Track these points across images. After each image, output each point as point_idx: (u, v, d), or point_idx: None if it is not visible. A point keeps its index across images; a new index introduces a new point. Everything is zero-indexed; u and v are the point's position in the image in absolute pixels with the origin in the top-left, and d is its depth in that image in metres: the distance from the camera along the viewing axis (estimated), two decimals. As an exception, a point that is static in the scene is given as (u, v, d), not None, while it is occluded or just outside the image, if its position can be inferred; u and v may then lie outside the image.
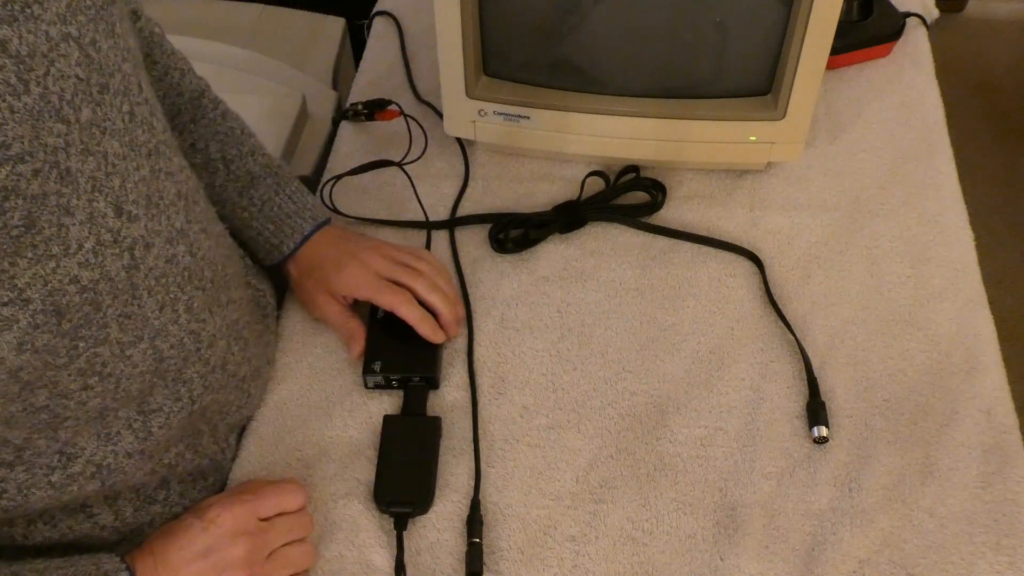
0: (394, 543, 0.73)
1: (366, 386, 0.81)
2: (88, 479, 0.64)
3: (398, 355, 0.81)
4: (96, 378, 0.60)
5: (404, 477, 0.75)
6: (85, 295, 0.55)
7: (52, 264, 0.52)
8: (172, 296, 0.64)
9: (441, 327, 0.82)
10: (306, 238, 0.84)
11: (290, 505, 0.72)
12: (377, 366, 0.80)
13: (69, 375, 0.58)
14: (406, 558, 0.72)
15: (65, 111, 0.52)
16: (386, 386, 0.81)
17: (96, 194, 0.55)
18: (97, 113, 0.55)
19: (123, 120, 0.58)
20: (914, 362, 0.82)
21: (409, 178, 0.95)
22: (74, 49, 0.53)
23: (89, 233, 0.55)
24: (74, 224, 0.53)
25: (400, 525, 0.73)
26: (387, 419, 0.78)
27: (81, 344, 0.57)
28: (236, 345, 0.74)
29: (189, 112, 0.81)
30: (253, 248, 0.85)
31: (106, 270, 0.56)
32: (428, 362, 0.81)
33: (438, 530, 0.74)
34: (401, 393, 0.81)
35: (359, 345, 0.82)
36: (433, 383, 0.81)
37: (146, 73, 0.65)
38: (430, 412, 0.80)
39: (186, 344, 0.66)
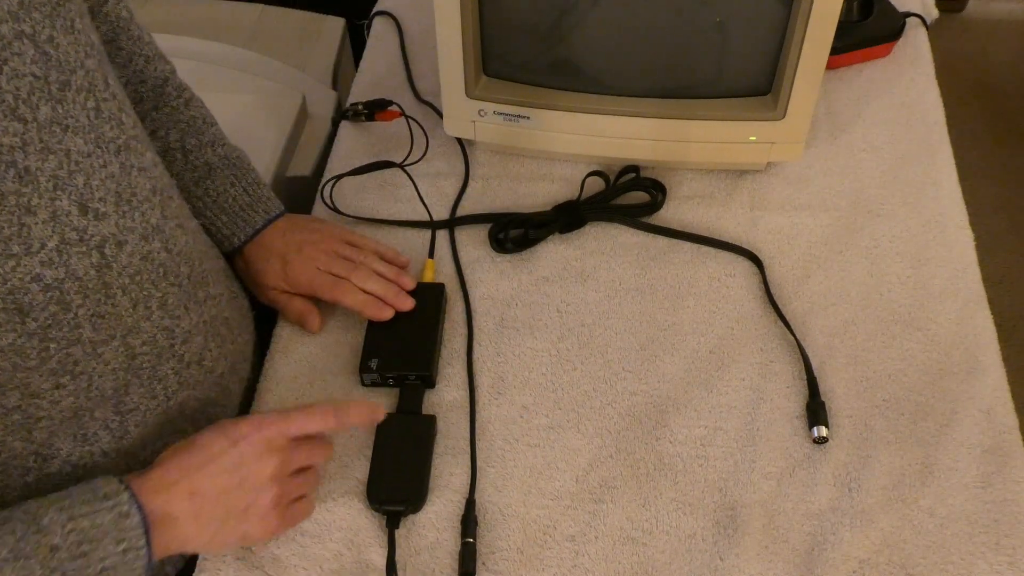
0: (395, 542, 0.73)
1: (362, 384, 0.81)
2: (65, 478, 0.64)
3: (394, 353, 0.81)
4: (68, 377, 0.59)
5: (397, 476, 0.75)
6: (50, 294, 0.55)
7: (12, 263, 0.52)
8: (146, 293, 0.63)
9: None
10: (257, 231, 0.85)
11: (317, 428, 0.70)
12: (373, 364, 0.80)
13: (41, 376, 0.57)
14: (406, 558, 0.72)
15: (21, 110, 0.52)
16: (382, 384, 0.81)
17: (58, 192, 0.54)
18: (58, 111, 0.55)
19: (88, 117, 0.57)
20: (914, 362, 0.82)
21: (411, 179, 0.95)
22: (29, 47, 0.53)
23: (52, 232, 0.54)
24: (36, 223, 0.53)
25: (392, 524, 0.73)
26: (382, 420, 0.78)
27: (52, 345, 0.56)
28: (213, 342, 0.73)
29: (151, 100, 0.81)
30: (211, 235, 0.85)
31: (72, 269, 0.56)
32: (424, 361, 0.80)
33: (437, 530, 0.74)
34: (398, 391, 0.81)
35: (315, 318, 0.84)
36: (429, 382, 0.81)
37: (112, 66, 0.65)
38: (427, 411, 0.80)
39: (159, 340, 0.66)
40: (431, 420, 0.78)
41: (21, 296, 0.53)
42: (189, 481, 0.64)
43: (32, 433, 0.61)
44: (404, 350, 0.81)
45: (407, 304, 0.83)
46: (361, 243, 0.87)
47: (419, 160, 0.98)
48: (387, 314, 0.82)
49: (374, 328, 0.83)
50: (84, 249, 0.57)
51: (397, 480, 0.75)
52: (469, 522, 0.73)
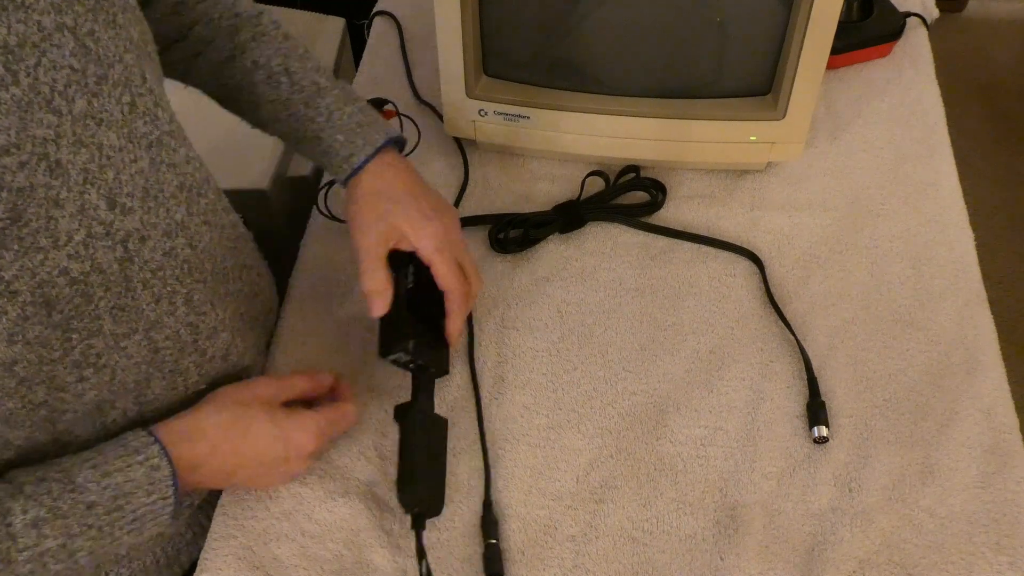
0: (394, 543, 0.73)
1: (384, 357, 0.74)
2: None
3: (426, 341, 0.76)
4: (91, 370, 0.60)
5: (426, 477, 0.72)
6: (75, 287, 0.55)
7: (40, 256, 0.52)
8: (170, 289, 0.64)
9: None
10: (379, 149, 0.77)
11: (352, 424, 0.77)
12: (410, 345, 0.73)
13: (64, 368, 0.58)
14: (406, 561, 0.72)
15: (57, 102, 0.52)
16: (402, 366, 0.76)
17: (88, 186, 0.55)
18: (93, 104, 0.55)
19: (122, 111, 0.58)
20: (914, 362, 0.82)
21: None
22: (69, 39, 0.53)
23: (79, 225, 0.54)
24: (63, 216, 0.53)
25: (419, 525, 0.70)
26: (399, 409, 0.74)
27: (74, 336, 0.57)
28: (239, 336, 0.74)
29: (249, 29, 0.79)
30: (325, 165, 0.80)
31: (97, 262, 0.56)
32: (446, 357, 0.77)
33: (439, 530, 0.73)
34: (399, 384, 0.79)
35: (384, 303, 0.74)
36: (445, 370, 0.78)
37: (153, 61, 0.65)
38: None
39: (182, 336, 0.67)
40: (445, 422, 0.76)
41: (49, 289, 0.54)
42: (230, 444, 0.68)
43: (56, 426, 0.62)
44: (434, 339, 0.76)
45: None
46: (479, 275, 0.80)
47: (409, 154, 0.97)
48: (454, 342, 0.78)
49: (403, 305, 0.75)
50: (109, 243, 0.57)
51: (426, 481, 0.72)
52: (489, 523, 0.72)
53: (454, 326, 0.75)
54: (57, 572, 0.60)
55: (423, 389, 0.75)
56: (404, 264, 0.76)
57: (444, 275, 0.74)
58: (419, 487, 0.71)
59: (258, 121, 0.81)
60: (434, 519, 0.74)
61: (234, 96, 0.80)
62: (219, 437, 0.67)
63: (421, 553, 0.69)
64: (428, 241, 0.74)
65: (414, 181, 0.78)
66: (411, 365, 0.75)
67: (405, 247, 0.75)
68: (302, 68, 0.79)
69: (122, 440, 0.64)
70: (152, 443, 0.64)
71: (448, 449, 0.77)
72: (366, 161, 0.76)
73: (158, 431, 0.65)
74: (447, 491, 0.75)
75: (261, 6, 0.81)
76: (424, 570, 0.68)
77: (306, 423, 0.71)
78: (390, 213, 0.74)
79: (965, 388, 0.80)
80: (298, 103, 0.78)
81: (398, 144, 0.80)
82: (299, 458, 0.71)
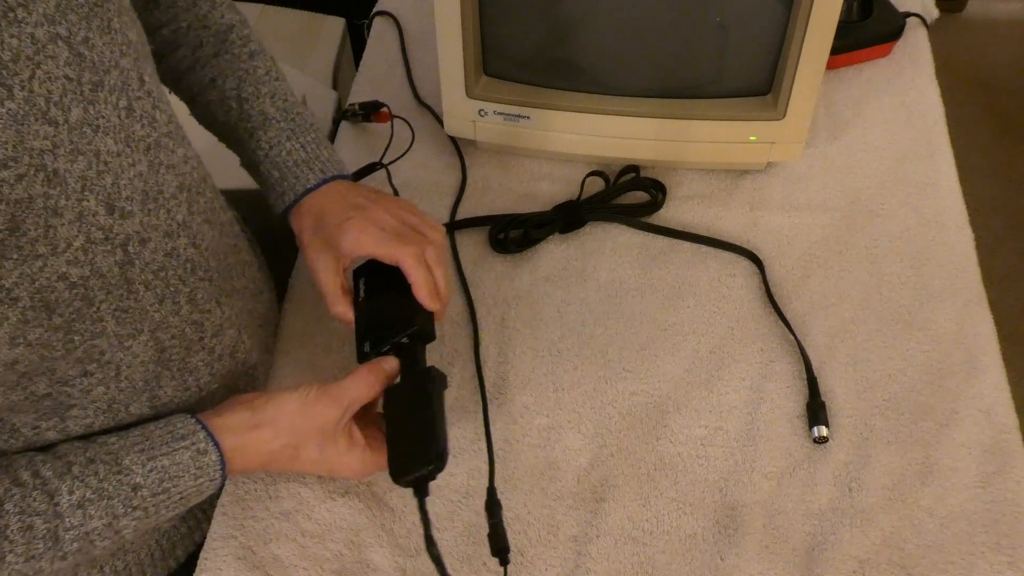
0: (395, 542, 0.73)
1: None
2: None
3: (381, 326, 0.74)
4: (95, 365, 0.60)
5: (412, 443, 0.67)
6: (75, 291, 0.55)
7: (39, 263, 0.52)
8: (173, 289, 0.64)
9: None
10: (309, 190, 0.76)
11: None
12: (367, 346, 0.73)
13: (67, 363, 0.58)
14: (405, 560, 0.72)
15: (52, 113, 0.52)
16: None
17: (86, 193, 0.55)
18: (89, 112, 0.55)
19: (119, 116, 0.58)
20: (914, 362, 0.82)
21: (390, 178, 0.94)
22: (63, 49, 0.53)
23: (78, 232, 0.55)
24: (62, 224, 0.53)
25: (421, 492, 0.66)
26: (386, 392, 0.72)
27: (76, 338, 0.57)
28: (246, 333, 0.74)
29: (212, 45, 0.79)
30: (264, 194, 0.80)
31: (97, 267, 0.56)
32: (411, 318, 0.73)
33: (438, 530, 0.73)
34: None
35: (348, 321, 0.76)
36: (425, 336, 0.74)
37: (152, 62, 0.65)
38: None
39: (188, 334, 0.67)
40: (430, 372, 0.71)
41: (48, 294, 0.54)
42: (277, 464, 0.69)
43: (67, 423, 0.62)
44: (389, 317, 0.74)
45: (442, 313, 0.75)
46: (433, 224, 0.77)
47: (399, 159, 0.97)
48: (437, 305, 0.73)
49: (361, 313, 0.76)
50: (108, 248, 0.57)
51: (412, 447, 0.68)
52: (493, 504, 0.71)
53: (421, 292, 0.72)
54: (104, 547, 0.62)
55: (405, 361, 0.73)
56: (355, 281, 0.76)
57: (384, 253, 0.72)
58: (402, 459, 0.67)
59: (212, 133, 0.82)
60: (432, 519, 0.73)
61: (189, 104, 0.81)
62: (269, 460, 0.69)
63: (426, 521, 0.65)
64: (351, 237, 0.72)
65: (343, 196, 0.76)
66: (390, 354, 0.73)
67: (361, 253, 0.74)
68: (255, 95, 0.78)
69: (169, 426, 0.65)
70: (199, 429, 0.65)
71: (451, 434, 0.73)
72: (297, 200, 0.76)
73: (209, 420, 0.66)
74: (446, 491, 0.74)
75: (234, 19, 0.81)
76: (426, 533, 0.64)
77: (353, 463, 0.70)
78: (326, 238, 0.74)
79: (965, 388, 0.80)
80: (242, 131, 0.78)
81: (340, 178, 0.78)
82: (341, 478, 0.74)
